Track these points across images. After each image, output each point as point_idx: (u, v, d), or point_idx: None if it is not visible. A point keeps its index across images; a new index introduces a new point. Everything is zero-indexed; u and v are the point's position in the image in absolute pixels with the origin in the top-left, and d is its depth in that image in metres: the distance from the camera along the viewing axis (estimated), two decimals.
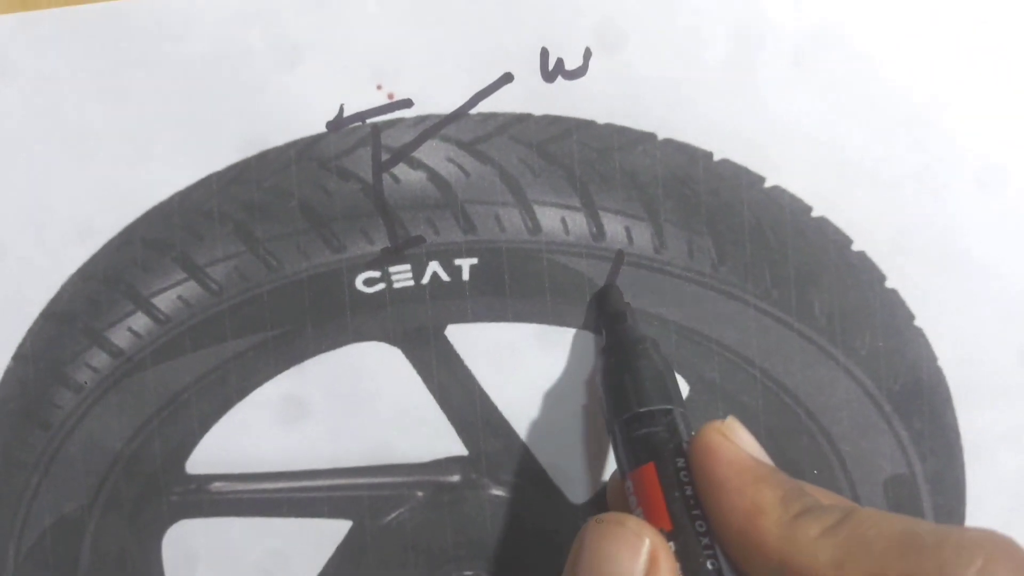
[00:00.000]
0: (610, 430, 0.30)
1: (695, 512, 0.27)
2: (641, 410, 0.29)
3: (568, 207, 0.33)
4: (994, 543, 0.23)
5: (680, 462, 0.28)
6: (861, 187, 0.33)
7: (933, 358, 0.34)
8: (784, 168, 0.33)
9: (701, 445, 0.27)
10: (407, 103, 0.33)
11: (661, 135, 0.33)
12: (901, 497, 0.34)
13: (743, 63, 0.33)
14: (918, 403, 0.34)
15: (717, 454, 0.27)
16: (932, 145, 0.33)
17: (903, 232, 0.33)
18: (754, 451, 0.27)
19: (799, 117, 0.33)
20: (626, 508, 0.29)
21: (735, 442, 0.27)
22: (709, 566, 0.26)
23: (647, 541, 0.26)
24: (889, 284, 0.34)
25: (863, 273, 0.33)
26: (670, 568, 0.26)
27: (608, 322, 0.33)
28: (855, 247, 0.33)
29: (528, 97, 0.33)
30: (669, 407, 0.29)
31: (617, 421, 0.30)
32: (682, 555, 0.26)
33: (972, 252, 0.33)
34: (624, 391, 0.30)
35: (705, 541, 0.26)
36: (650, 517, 0.27)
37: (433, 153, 0.33)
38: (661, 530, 0.27)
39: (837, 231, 0.33)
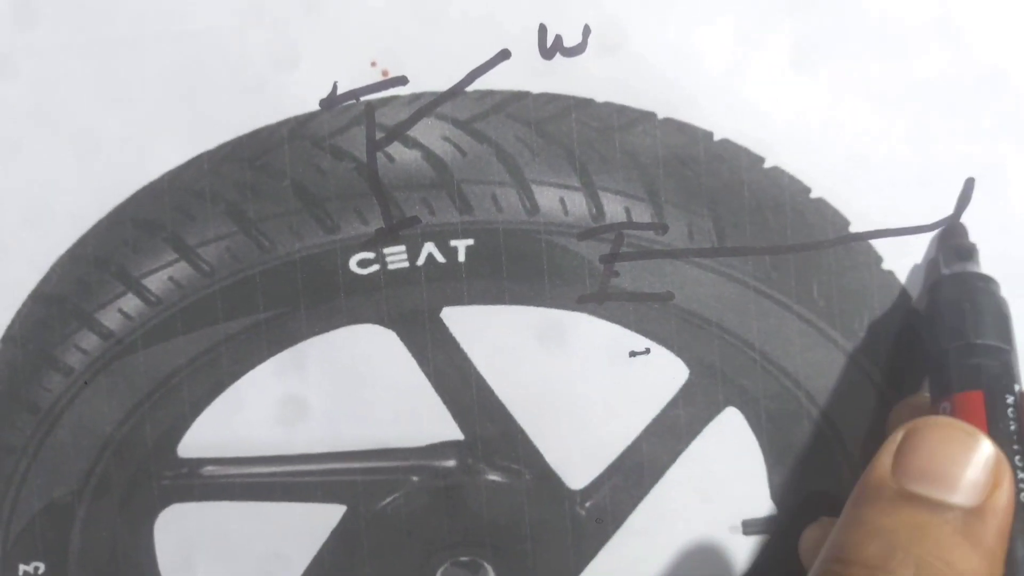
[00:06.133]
0: (933, 355, 0.30)
1: (1016, 447, 0.27)
2: (977, 341, 0.29)
3: (567, 187, 0.33)
4: None
5: (1010, 399, 0.28)
6: (857, 167, 0.33)
7: None
8: (784, 148, 0.33)
9: None
10: (402, 80, 0.33)
11: (661, 114, 0.33)
12: None
13: (745, 43, 0.32)
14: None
15: None
16: (926, 127, 0.33)
17: (899, 213, 0.33)
18: None
19: (801, 95, 0.33)
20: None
21: None
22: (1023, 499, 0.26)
23: (994, 452, 0.25)
24: (885, 266, 0.33)
25: (860, 254, 0.33)
26: (1010, 485, 0.25)
27: (951, 255, 0.32)
28: (852, 228, 0.33)
29: (526, 74, 0.32)
30: (1007, 347, 0.29)
31: (950, 348, 0.30)
32: None
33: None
34: (962, 319, 0.30)
35: (1022, 475, 0.26)
36: None
37: (428, 132, 0.33)
38: None
39: (835, 212, 0.33)
